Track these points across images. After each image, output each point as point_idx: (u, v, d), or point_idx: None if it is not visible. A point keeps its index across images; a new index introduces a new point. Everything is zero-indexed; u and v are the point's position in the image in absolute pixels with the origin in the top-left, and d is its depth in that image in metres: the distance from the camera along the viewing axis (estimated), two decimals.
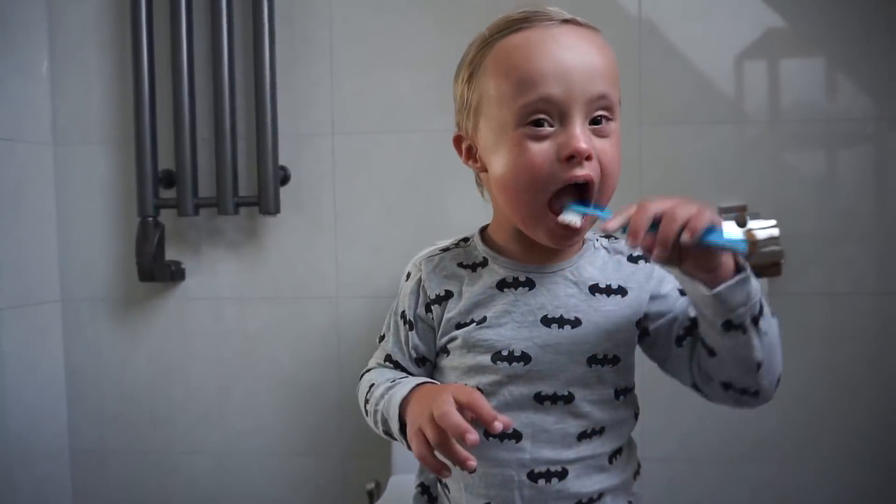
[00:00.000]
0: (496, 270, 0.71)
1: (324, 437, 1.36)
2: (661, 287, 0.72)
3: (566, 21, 0.65)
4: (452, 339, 0.71)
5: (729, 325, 0.62)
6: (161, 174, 1.33)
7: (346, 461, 1.35)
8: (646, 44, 1.25)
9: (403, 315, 0.75)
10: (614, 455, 0.71)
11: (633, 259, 0.74)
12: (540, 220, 0.65)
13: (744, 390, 0.66)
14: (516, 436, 0.68)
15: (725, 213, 1.24)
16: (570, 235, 0.65)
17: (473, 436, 0.56)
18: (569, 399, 0.68)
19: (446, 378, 0.72)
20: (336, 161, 1.33)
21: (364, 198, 1.33)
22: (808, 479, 1.27)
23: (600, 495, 0.70)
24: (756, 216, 1.23)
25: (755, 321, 0.61)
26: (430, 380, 0.70)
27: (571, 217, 0.63)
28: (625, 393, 0.71)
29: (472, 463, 0.58)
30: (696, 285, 0.61)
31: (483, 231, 0.76)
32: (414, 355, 0.74)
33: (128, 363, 1.39)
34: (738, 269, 0.60)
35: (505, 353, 0.68)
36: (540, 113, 0.62)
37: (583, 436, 0.69)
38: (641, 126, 1.26)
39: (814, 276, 1.26)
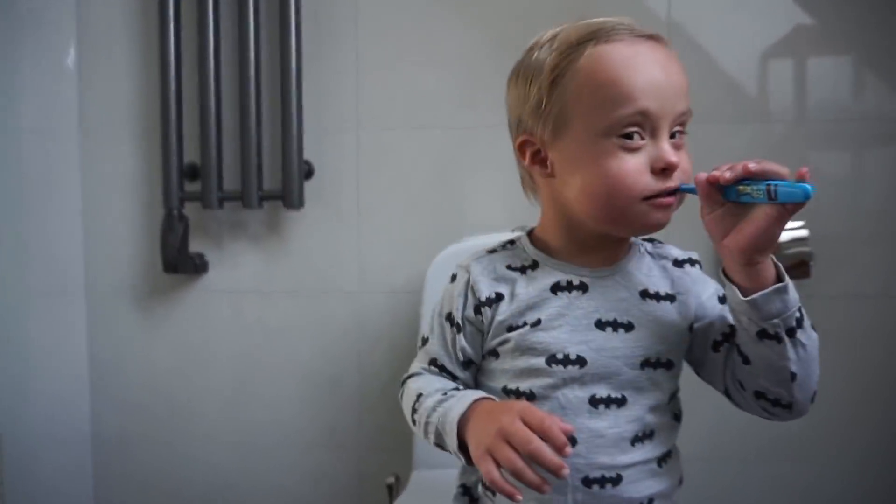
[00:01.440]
0: (549, 272, 0.71)
1: (343, 430, 1.36)
2: (703, 292, 0.72)
3: (651, 37, 0.67)
4: (504, 342, 0.70)
5: (764, 334, 0.62)
6: (186, 167, 1.34)
7: (364, 455, 1.35)
8: (675, 44, 1.24)
9: (450, 317, 0.73)
10: (664, 459, 0.70)
11: (678, 263, 0.74)
12: (634, 212, 0.65)
13: (776, 401, 0.66)
14: (571, 441, 0.65)
15: None
16: (665, 211, 0.66)
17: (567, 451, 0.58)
18: (622, 402, 0.68)
19: (496, 381, 0.71)
20: (360, 156, 1.33)
21: (387, 193, 1.33)
22: (825, 478, 1.25)
23: (650, 500, 0.69)
24: None
25: (791, 332, 0.62)
26: (487, 395, 0.68)
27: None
28: (674, 396, 0.72)
29: (548, 487, 0.58)
30: (733, 290, 0.62)
31: (530, 234, 0.76)
32: (461, 358, 0.73)
33: (150, 353, 1.40)
34: (780, 278, 0.61)
35: (560, 356, 0.68)
36: (634, 126, 0.64)
37: (636, 440, 0.68)
38: None
39: (842, 278, 1.24)
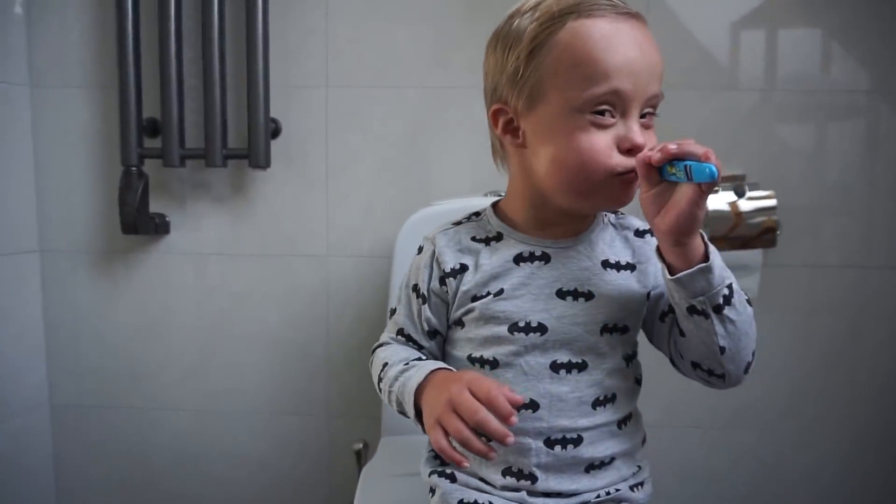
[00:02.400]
0: (512, 244, 0.73)
1: (310, 396, 1.35)
2: (656, 264, 0.74)
3: (632, 15, 0.67)
4: (469, 311, 0.72)
5: (692, 310, 0.65)
6: (146, 122, 1.28)
7: (332, 421, 1.34)
8: (653, 13, 1.23)
9: (416, 288, 0.76)
10: (624, 421, 0.74)
11: (639, 233, 0.77)
12: (602, 188, 0.67)
13: (710, 371, 0.69)
14: (533, 405, 0.70)
15: (723, 181, 1.23)
16: (631, 185, 0.67)
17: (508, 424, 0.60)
18: (583, 367, 0.71)
19: (461, 350, 0.74)
20: (329, 115, 1.29)
21: (357, 154, 1.29)
22: (789, 446, 1.30)
23: (612, 459, 0.73)
24: (755, 186, 1.22)
25: (717, 309, 0.64)
26: (444, 365, 0.71)
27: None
28: (631, 360, 0.75)
29: (494, 454, 0.61)
30: (663, 268, 0.66)
31: (495, 206, 0.77)
32: (426, 328, 0.76)
33: (108, 317, 1.36)
34: (706, 257, 0.64)
35: (522, 324, 0.70)
36: (607, 104, 0.65)
37: (596, 403, 0.71)
38: None
39: (805, 248, 1.26)
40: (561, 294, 0.71)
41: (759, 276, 1.23)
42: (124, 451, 1.38)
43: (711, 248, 0.65)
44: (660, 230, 0.64)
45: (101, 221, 1.33)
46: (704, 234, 0.66)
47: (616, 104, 0.65)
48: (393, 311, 0.80)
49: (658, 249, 0.67)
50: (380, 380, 0.75)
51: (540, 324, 0.70)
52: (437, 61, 1.26)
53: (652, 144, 0.67)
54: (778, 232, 1.22)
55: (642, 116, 0.67)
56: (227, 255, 1.33)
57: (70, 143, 1.33)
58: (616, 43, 0.65)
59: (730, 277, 0.66)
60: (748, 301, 0.68)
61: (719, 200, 1.22)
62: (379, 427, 1.15)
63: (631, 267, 0.74)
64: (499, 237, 0.74)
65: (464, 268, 0.73)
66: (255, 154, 1.24)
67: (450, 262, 0.74)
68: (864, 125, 1.25)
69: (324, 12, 1.27)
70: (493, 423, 0.60)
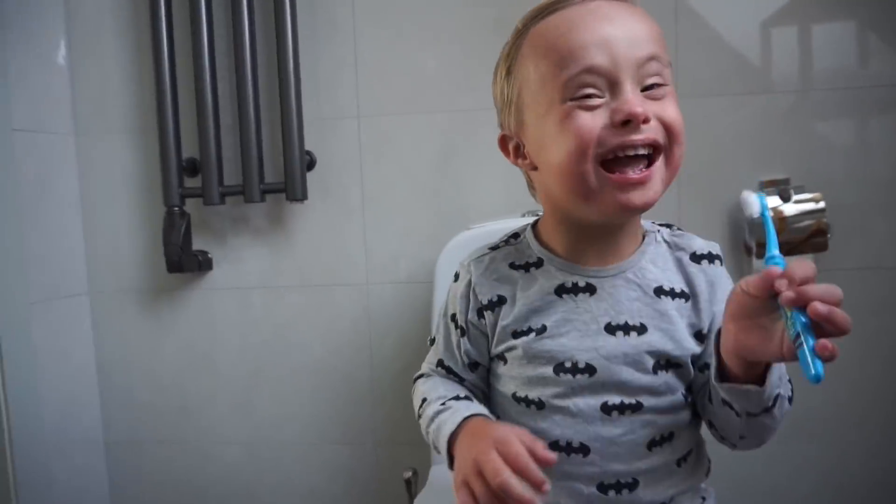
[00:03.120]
0: (553, 274, 0.67)
1: (356, 424, 1.35)
2: (718, 301, 0.67)
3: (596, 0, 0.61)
4: (511, 349, 0.68)
5: (725, 403, 0.61)
6: (185, 163, 1.31)
7: (379, 449, 1.34)
8: (681, 19, 1.21)
9: (454, 319, 0.72)
10: (684, 458, 0.68)
11: (696, 258, 0.69)
12: (599, 187, 0.59)
13: (723, 438, 0.68)
14: (584, 450, 0.65)
15: (767, 186, 1.20)
16: (636, 187, 0.59)
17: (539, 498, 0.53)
18: (637, 408, 0.65)
19: (506, 387, 0.69)
20: (362, 144, 1.30)
21: (391, 181, 1.30)
22: (854, 457, 1.24)
23: (671, 499, 0.67)
24: (801, 189, 1.19)
25: (751, 415, 0.61)
26: (479, 410, 0.66)
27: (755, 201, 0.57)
28: (690, 393, 0.69)
29: None
30: (713, 366, 0.61)
31: (534, 227, 0.72)
32: (466, 361, 0.72)
33: (157, 354, 1.38)
34: (764, 377, 0.57)
35: (568, 364, 0.65)
36: (586, 87, 0.59)
37: (653, 444, 0.66)
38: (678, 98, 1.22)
39: (858, 250, 1.22)
40: (610, 329, 0.64)
41: None
42: (178, 484, 1.40)
43: (773, 369, 0.58)
44: (730, 340, 0.56)
45: (147, 262, 1.37)
46: None
47: (598, 83, 0.58)
48: (432, 341, 0.76)
49: (716, 338, 0.59)
50: (419, 416, 0.71)
51: (588, 364, 0.64)
52: (465, 84, 1.26)
53: (670, 113, 0.59)
54: (829, 234, 1.18)
55: (646, 89, 0.59)
56: (269, 288, 1.35)
57: (114, 187, 1.37)
58: (578, 23, 0.59)
59: (778, 388, 0.59)
60: (790, 399, 0.62)
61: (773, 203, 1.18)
62: (427, 454, 1.14)
63: (685, 296, 0.66)
64: (539, 263, 0.68)
65: (501, 300, 0.68)
66: (291, 187, 1.26)
67: (486, 294, 0.68)
68: None
69: (352, 43, 1.29)
70: (516, 489, 0.53)
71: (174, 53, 1.28)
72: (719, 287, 0.68)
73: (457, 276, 0.73)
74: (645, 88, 0.59)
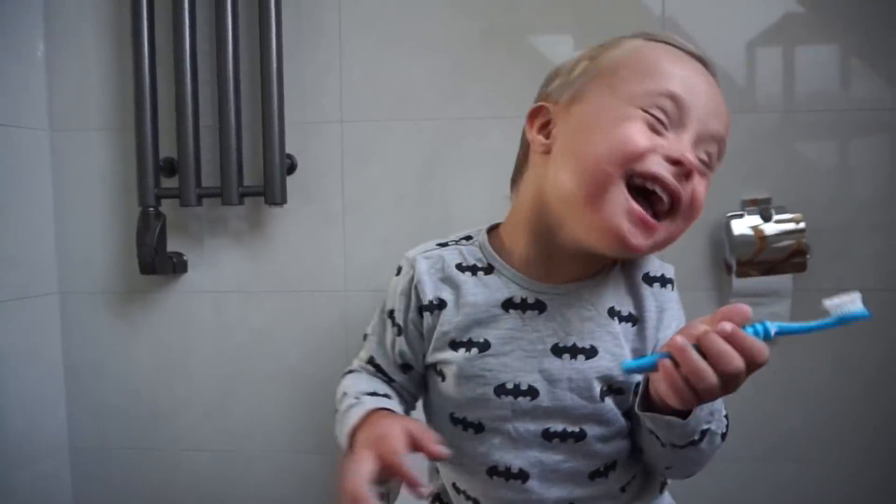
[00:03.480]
0: (503, 284, 0.64)
1: (331, 434, 1.31)
2: (664, 328, 0.65)
3: (699, 57, 0.64)
4: (448, 363, 0.64)
5: (651, 432, 0.60)
6: (162, 162, 1.28)
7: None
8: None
9: (392, 315, 0.68)
10: (629, 483, 0.66)
11: (648, 279, 0.66)
12: (608, 202, 0.56)
13: (651, 465, 0.65)
14: (522, 476, 0.62)
15: (749, 205, 1.20)
16: (639, 225, 0.56)
17: None
18: (580, 437, 0.62)
19: (442, 405, 0.66)
20: (345, 150, 1.28)
21: (373, 188, 1.28)
22: (832, 479, 1.24)
23: None
24: (782, 209, 1.19)
25: (677, 447, 0.58)
26: (384, 405, 0.62)
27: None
28: (632, 418, 0.66)
29: None
30: (640, 394, 0.59)
31: (491, 231, 0.69)
32: (399, 361, 0.68)
33: (128, 358, 1.35)
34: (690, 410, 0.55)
35: (510, 385, 0.62)
36: (662, 109, 0.58)
37: (595, 474, 0.63)
38: None
39: (838, 271, 1.22)
40: (557, 351, 0.61)
41: (790, 302, 1.19)
42: (146, 493, 1.36)
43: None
44: (661, 389, 0.53)
45: (120, 262, 1.33)
46: None
47: (670, 114, 0.58)
48: (366, 336, 0.72)
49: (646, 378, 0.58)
50: (335, 410, 0.67)
51: (531, 387, 0.61)
52: (452, 93, 1.25)
53: (700, 192, 0.58)
54: (808, 255, 1.18)
55: (703, 163, 0.59)
56: (246, 293, 1.32)
57: (89, 186, 1.33)
58: (685, 66, 0.61)
59: (708, 423, 0.57)
60: (723, 435, 0.60)
61: (744, 225, 1.19)
62: None
63: (632, 319, 0.64)
64: (488, 269, 0.65)
65: (442, 304, 0.64)
66: (270, 191, 1.24)
67: (428, 294, 0.65)
68: (891, 141, 1.22)
69: (338, 48, 1.27)
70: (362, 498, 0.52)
71: (154, 50, 1.26)
72: (667, 313, 0.66)
73: (399, 270, 0.69)
74: (703, 161, 0.60)
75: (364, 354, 0.72)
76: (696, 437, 0.57)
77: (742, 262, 1.18)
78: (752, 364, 0.50)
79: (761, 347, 0.50)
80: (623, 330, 0.63)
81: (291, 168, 1.28)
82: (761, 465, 1.25)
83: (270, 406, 1.33)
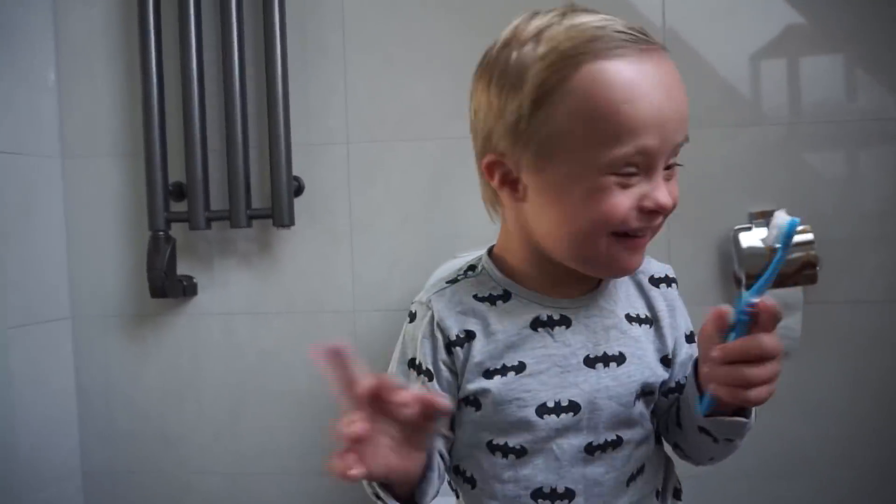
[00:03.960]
0: (525, 306, 0.63)
1: None
2: (679, 326, 0.68)
3: (656, 48, 0.58)
4: (483, 391, 0.61)
5: (703, 430, 0.61)
6: (172, 187, 1.30)
7: (363, 482, 1.30)
8: (671, 50, 1.21)
9: (415, 364, 0.63)
10: (660, 492, 0.68)
11: (654, 281, 0.68)
12: (609, 258, 0.59)
13: (687, 457, 0.68)
14: (569, 495, 0.62)
15: (756, 218, 1.20)
16: (635, 252, 0.60)
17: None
18: (617, 444, 0.63)
19: (479, 437, 0.63)
20: (351, 170, 1.29)
21: (380, 208, 1.29)
22: (845, 496, 1.22)
23: None
24: None
25: (728, 440, 0.62)
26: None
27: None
28: (652, 418, 0.67)
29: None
30: (696, 398, 0.60)
31: (491, 255, 0.67)
32: None
33: (139, 381, 1.36)
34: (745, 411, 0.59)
35: (551, 404, 0.61)
36: (633, 165, 0.56)
37: (630, 479, 0.64)
38: None
39: (848, 283, 1.21)
40: (589, 362, 0.62)
41: (801, 315, 1.18)
42: None
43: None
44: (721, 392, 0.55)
45: (131, 286, 1.34)
46: None
47: (640, 162, 0.56)
48: None
49: (695, 370, 0.60)
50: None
51: (571, 402, 0.61)
52: (456, 112, 1.23)
53: (674, 197, 0.59)
54: (818, 267, 1.17)
55: (666, 168, 0.58)
56: (255, 314, 1.33)
57: (99, 211, 1.35)
58: (642, 91, 0.55)
59: (755, 417, 0.61)
60: (754, 417, 0.62)
61: (755, 237, 1.18)
62: None
63: (649, 321, 0.65)
64: (506, 296, 0.63)
65: (470, 335, 0.62)
66: (278, 213, 1.24)
67: (454, 329, 0.62)
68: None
69: (342, 70, 1.29)
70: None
71: (163, 76, 1.28)
72: (678, 311, 0.68)
73: (413, 316, 0.65)
74: (668, 165, 0.59)
75: None
76: (746, 431, 0.61)
77: (752, 276, 1.17)
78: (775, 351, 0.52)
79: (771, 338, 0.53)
80: (643, 332, 0.64)
81: (299, 190, 1.29)
82: (772, 483, 1.23)
83: (280, 427, 1.33)
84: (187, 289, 1.30)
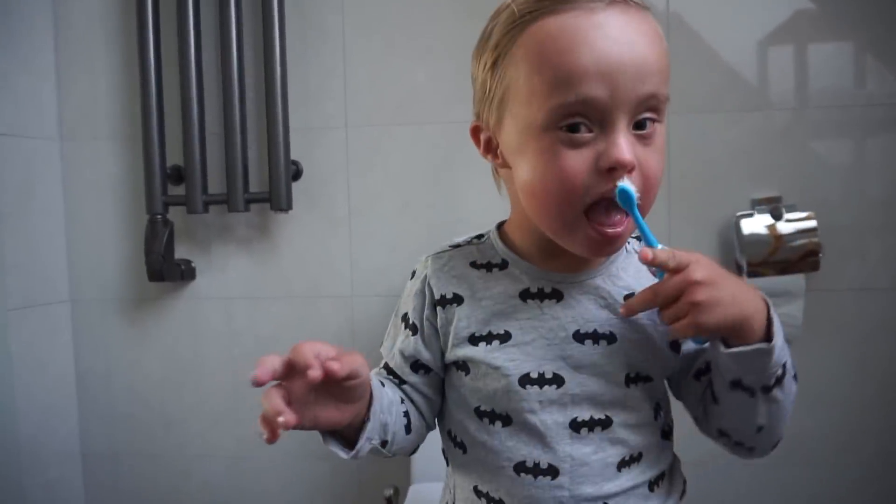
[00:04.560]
0: (517, 277, 0.63)
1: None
2: None
3: (613, 2, 0.54)
4: (471, 358, 0.63)
5: (737, 385, 0.57)
6: (170, 170, 1.29)
7: (362, 466, 1.31)
8: (676, 34, 1.20)
9: (406, 318, 0.67)
10: (656, 482, 0.65)
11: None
12: (575, 230, 0.57)
13: (738, 443, 0.63)
14: (552, 472, 0.61)
15: (760, 204, 1.18)
16: (610, 243, 0.58)
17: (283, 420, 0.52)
18: (607, 424, 0.61)
19: (467, 401, 0.64)
20: (350, 155, 1.28)
21: (379, 192, 1.28)
22: (847, 484, 1.21)
23: None
24: (792, 208, 1.17)
25: (766, 389, 0.57)
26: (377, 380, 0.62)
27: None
28: (660, 411, 0.65)
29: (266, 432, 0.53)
30: (716, 341, 0.57)
31: (500, 228, 0.68)
32: (410, 361, 0.66)
33: (138, 364, 1.36)
34: (768, 335, 0.55)
35: (534, 375, 0.61)
36: (577, 116, 0.54)
37: (622, 464, 0.62)
38: (670, 114, 1.20)
39: (851, 271, 1.19)
40: (579, 337, 0.61)
41: (803, 302, 1.17)
42: (156, 500, 1.37)
43: (776, 323, 0.55)
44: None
45: (130, 270, 1.34)
46: (771, 305, 0.56)
47: (590, 115, 0.53)
48: (381, 343, 0.71)
49: None
50: None
51: (555, 374, 0.60)
52: (456, 96, 1.24)
53: (652, 164, 0.55)
54: (821, 254, 1.16)
55: (640, 126, 0.55)
56: (253, 299, 1.32)
57: (98, 194, 1.35)
58: (583, 40, 0.53)
59: (786, 355, 0.56)
60: (795, 376, 0.59)
61: (757, 224, 1.17)
62: (409, 473, 1.11)
63: None
64: (503, 265, 0.64)
65: (457, 298, 0.63)
66: (276, 197, 1.24)
67: (441, 289, 0.64)
68: None
69: (341, 53, 1.27)
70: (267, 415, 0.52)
71: (161, 60, 1.27)
72: None
73: (413, 274, 0.69)
74: (638, 124, 0.55)
75: (381, 361, 0.70)
76: (781, 372, 0.56)
77: (754, 262, 1.16)
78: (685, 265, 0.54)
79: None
80: (649, 315, 0.61)
81: (297, 174, 1.28)
82: (774, 471, 1.22)
83: None
84: (185, 273, 1.30)
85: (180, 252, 1.32)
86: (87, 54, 1.34)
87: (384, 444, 0.62)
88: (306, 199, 1.29)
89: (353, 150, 1.28)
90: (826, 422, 1.20)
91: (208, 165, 1.28)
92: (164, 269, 1.26)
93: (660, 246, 0.55)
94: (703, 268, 0.53)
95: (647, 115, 0.55)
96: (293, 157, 1.26)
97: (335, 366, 0.51)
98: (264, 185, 1.27)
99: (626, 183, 0.53)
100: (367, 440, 0.59)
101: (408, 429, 0.65)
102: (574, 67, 0.53)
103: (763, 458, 0.65)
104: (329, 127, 1.28)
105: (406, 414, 0.65)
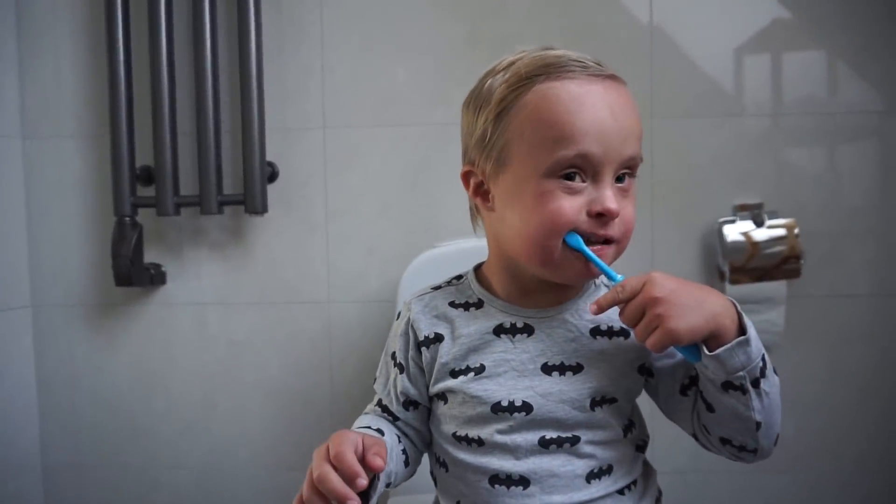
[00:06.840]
0: (492, 314, 0.70)
1: (314, 450, 1.28)
2: None
3: (607, 77, 0.65)
4: (449, 389, 0.69)
5: (729, 385, 0.62)
6: (139, 170, 1.24)
7: None
8: (656, 43, 1.19)
9: (394, 357, 0.74)
10: (627, 488, 0.69)
11: None
12: (565, 262, 0.65)
13: (742, 447, 0.66)
14: (524, 482, 0.66)
15: (740, 210, 1.18)
16: (590, 269, 0.65)
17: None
18: (574, 441, 0.67)
19: (445, 426, 0.71)
20: (327, 156, 1.25)
21: (357, 195, 1.25)
22: (826, 489, 1.22)
23: None
24: (774, 214, 1.17)
25: (755, 383, 0.62)
26: (366, 432, 0.67)
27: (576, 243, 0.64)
28: (630, 429, 0.70)
29: None
30: (699, 345, 0.62)
31: (477, 269, 0.75)
32: (402, 399, 0.73)
33: (104, 372, 1.30)
34: (741, 329, 0.60)
35: (505, 403, 0.67)
36: (574, 168, 0.63)
37: (591, 476, 0.67)
38: (653, 118, 1.20)
39: (831, 277, 1.20)
40: (546, 369, 0.67)
41: (784, 309, 1.17)
42: None
43: (745, 316, 0.61)
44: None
45: (95, 274, 1.29)
46: (736, 303, 0.61)
47: (585, 168, 0.63)
48: (375, 380, 0.77)
49: None
50: None
51: (525, 402, 0.67)
52: (437, 97, 1.22)
53: (628, 213, 0.65)
54: (801, 261, 1.16)
55: (619, 180, 0.65)
56: (226, 304, 1.28)
57: (63, 195, 1.29)
58: (584, 105, 0.63)
59: (762, 347, 0.62)
60: (774, 370, 0.64)
61: (736, 230, 1.16)
62: None
63: (625, 333, 0.69)
64: (479, 304, 0.71)
65: (439, 337, 0.71)
66: (251, 199, 1.20)
67: (424, 331, 0.71)
68: (881, 146, 1.20)
69: (319, 52, 1.24)
70: (335, 485, 0.57)
71: (130, 53, 1.22)
72: None
73: (398, 315, 0.76)
74: (618, 178, 0.65)
75: (375, 397, 0.77)
76: (762, 364, 0.61)
77: (735, 269, 1.16)
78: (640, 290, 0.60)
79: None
80: (613, 345, 0.68)
81: (272, 176, 1.24)
82: (753, 477, 1.22)
83: (252, 421, 1.29)
84: (155, 277, 1.25)
85: (150, 256, 1.27)
86: (52, 46, 1.28)
87: (388, 485, 0.68)
88: (282, 202, 1.25)
89: (330, 151, 1.25)
90: (807, 427, 1.21)
91: (180, 166, 1.23)
92: (133, 273, 1.21)
93: (620, 277, 0.63)
94: (659, 283, 0.59)
95: (627, 171, 0.65)
96: (269, 158, 1.23)
97: (378, 462, 0.59)
98: (238, 187, 1.23)
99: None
100: (377, 494, 0.64)
101: (406, 463, 0.72)
102: (577, 127, 0.62)
103: (743, 464, 0.68)
104: (306, 127, 1.25)
105: (404, 451, 0.72)
